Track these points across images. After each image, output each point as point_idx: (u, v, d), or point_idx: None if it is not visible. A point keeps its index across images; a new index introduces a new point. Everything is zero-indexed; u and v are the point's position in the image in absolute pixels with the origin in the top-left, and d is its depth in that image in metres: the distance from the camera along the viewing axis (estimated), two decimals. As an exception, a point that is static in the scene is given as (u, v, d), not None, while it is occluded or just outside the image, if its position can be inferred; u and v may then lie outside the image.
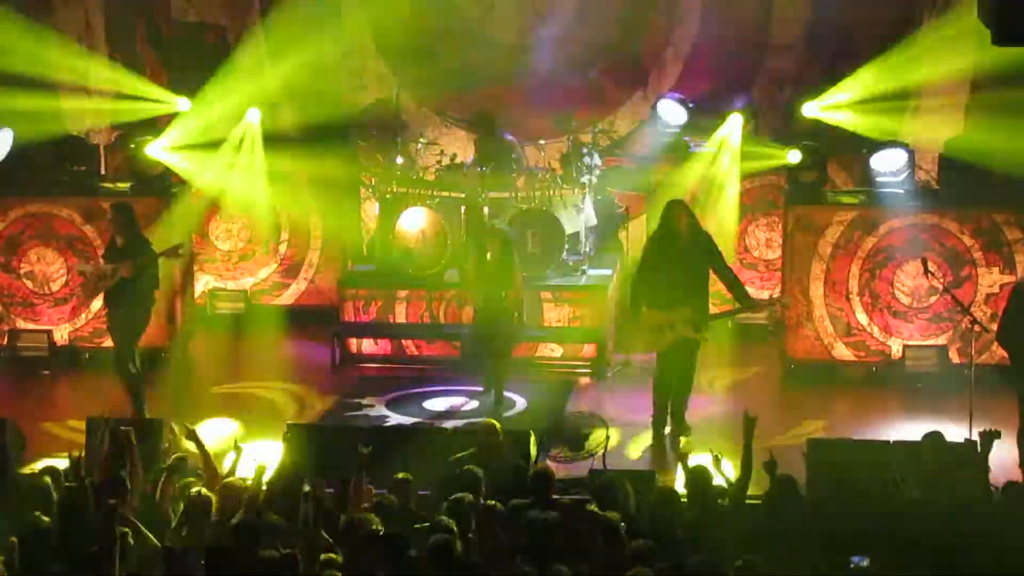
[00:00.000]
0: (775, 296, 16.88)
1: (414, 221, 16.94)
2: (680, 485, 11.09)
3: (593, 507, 10.14)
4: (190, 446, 11.43)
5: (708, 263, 14.25)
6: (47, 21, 18.35)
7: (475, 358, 15.68)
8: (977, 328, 14.08)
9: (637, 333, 14.66)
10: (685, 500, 10.44)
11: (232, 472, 11.05)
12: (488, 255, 15.15)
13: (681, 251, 14.10)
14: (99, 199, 16.69)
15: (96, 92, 18.35)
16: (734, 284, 14.47)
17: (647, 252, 14.50)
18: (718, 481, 10.67)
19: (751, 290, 17.44)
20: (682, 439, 13.98)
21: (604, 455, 12.56)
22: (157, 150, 16.95)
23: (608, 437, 12.92)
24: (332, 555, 9.42)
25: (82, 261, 16.17)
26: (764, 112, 18.53)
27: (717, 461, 10.70)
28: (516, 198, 17.14)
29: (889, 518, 10.06)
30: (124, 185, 16.94)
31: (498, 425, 11.90)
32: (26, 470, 11.99)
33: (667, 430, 14.29)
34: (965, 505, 10.31)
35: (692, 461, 10.75)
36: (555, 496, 10.65)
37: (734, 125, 17.29)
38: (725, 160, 17.32)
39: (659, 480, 11.66)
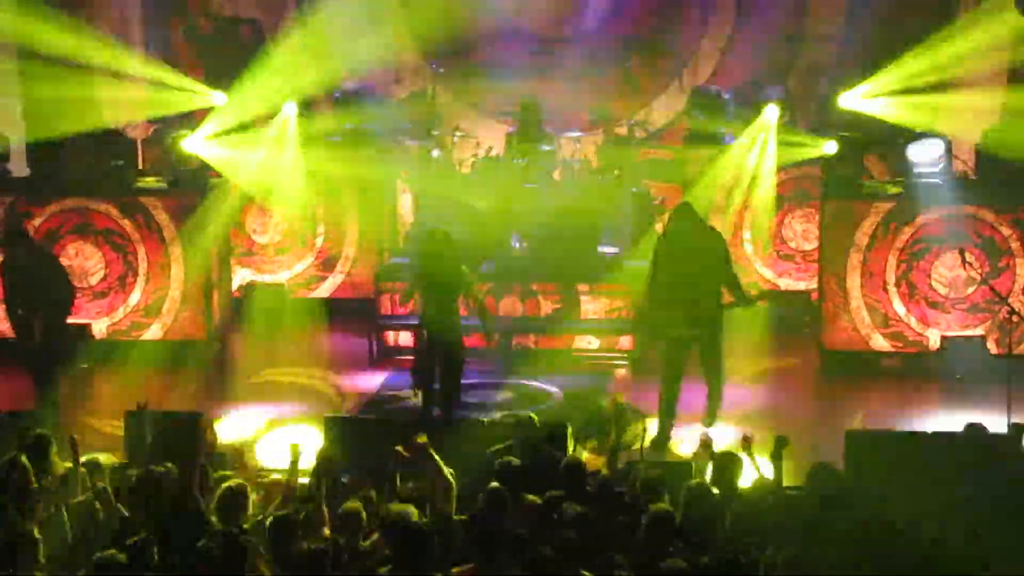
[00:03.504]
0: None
1: (451, 214, 16.96)
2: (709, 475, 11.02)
3: (626, 498, 10.15)
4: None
5: (714, 267, 13.99)
6: (84, 16, 18.42)
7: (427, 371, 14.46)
8: (1015, 318, 14.06)
9: (642, 329, 14.50)
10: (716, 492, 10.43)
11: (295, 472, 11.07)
12: (429, 258, 14.14)
13: (684, 254, 13.90)
14: (136, 194, 16.78)
15: (133, 87, 18.42)
16: (733, 288, 14.14)
17: (654, 254, 14.34)
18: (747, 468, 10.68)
19: (788, 281, 17.52)
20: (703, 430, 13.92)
21: (641, 447, 12.55)
22: (193, 144, 17.01)
23: (645, 429, 12.92)
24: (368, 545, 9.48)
25: None
26: (800, 103, 18.50)
27: (747, 443, 10.70)
28: (553, 190, 17.15)
29: (929, 511, 10.03)
30: (161, 179, 17.00)
31: (535, 418, 11.91)
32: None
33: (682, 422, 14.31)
34: (1006, 497, 10.27)
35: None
36: (588, 488, 10.67)
37: (770, 116, 17.26)
38: (762, 152, 17.28)
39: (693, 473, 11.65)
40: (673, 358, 14.18)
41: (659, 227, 17.71)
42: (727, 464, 10.57)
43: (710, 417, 14.27)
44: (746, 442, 10.74)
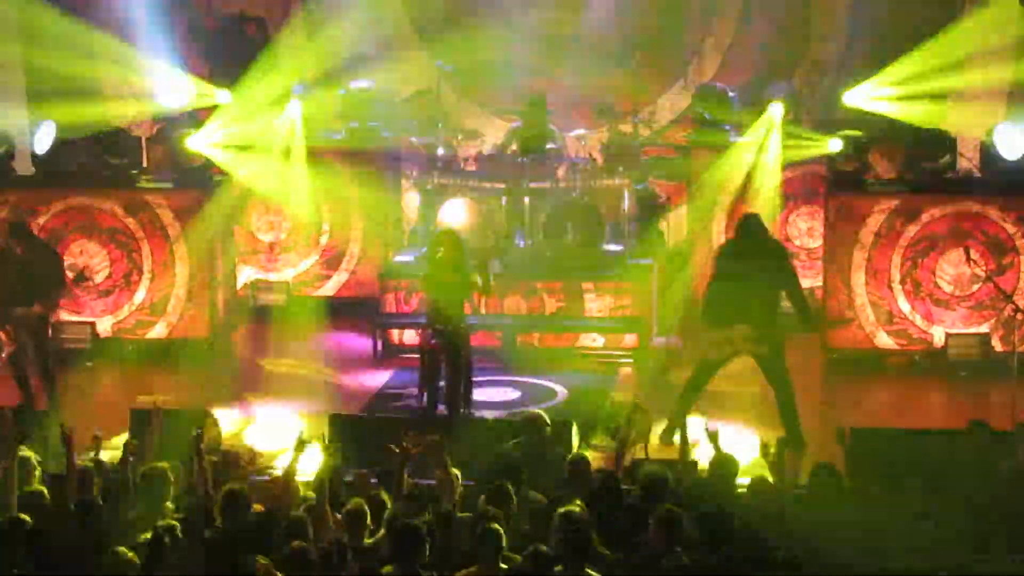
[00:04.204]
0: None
1: (455, 212, 16.96)
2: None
3: (631, 496, 10.15)
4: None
5: (777, 280, 13.65)
6: (89, 14, 18.42)
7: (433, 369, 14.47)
8: (1020, 316, 14.03)
9: (698, 347, 14.29)
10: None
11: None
12: (439, 254, 14.24)
13: (747, 266, 13.44)
14: (141, 192, 16.78)
15: (138, 84, 18.42)
16: (800, 307, 13.79)
17: (715, 266, 13.99)
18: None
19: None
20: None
21: (646, 445, 12.55)
22: (198, 142, 17.02)
23: (651, 428, 12.91)
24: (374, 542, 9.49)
25: None
26: (805, 101, 18.48)
27: (714, 437, 10.71)
28: (557, 188, 17.15)
29: (931, 509, 10.02)
30: (166, 180, 17.00)
31: (544, 415, 11.88)
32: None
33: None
34: (1009, 495, 10.26)
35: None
36: (594, 486, 10.66)
37: (775, 113, 17.24)
38: (766, 149, 17.27)
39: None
40: (714, 364, 13.83)
41: (663, 225, 17.82)
42: (723, 467, 10.57)
43: (794, 436, 13.27)
44: (712, 437, 10.79)
